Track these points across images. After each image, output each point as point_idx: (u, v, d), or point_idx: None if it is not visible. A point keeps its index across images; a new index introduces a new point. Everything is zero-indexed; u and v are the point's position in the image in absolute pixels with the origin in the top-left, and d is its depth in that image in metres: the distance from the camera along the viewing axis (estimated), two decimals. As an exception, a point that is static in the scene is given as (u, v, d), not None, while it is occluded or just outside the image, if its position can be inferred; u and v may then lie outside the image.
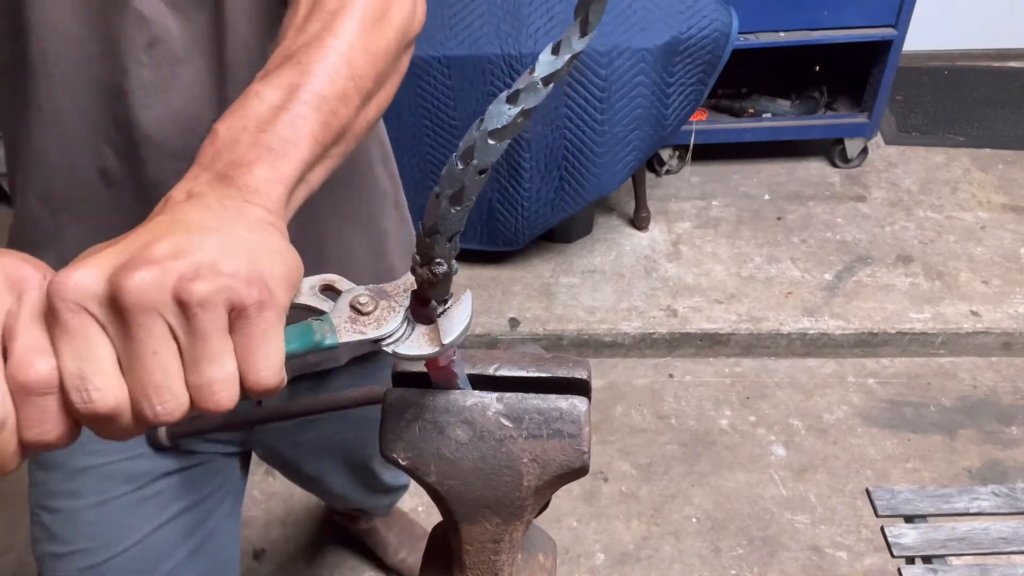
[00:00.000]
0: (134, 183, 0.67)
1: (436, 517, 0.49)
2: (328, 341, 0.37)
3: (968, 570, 1.09)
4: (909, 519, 1.14)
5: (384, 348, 0.38)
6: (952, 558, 1.11)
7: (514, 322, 2.09)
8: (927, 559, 1.11)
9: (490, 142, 0.31)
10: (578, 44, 0.30)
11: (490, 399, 0.44)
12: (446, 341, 0.38)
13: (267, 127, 0.43)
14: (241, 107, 0.44)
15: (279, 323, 0.35)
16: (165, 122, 0.63)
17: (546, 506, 0.50)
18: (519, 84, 0.31)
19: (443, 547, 0.50)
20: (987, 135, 2.62)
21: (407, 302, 0.39)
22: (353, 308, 0.38)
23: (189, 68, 0.63)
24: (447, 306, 0.39)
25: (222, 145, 0.42)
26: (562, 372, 0.45)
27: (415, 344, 0.38)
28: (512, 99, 0.31)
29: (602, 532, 1.72)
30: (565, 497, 1.75)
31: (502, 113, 0.31)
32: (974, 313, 2.05)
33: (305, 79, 0.45)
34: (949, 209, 2.38)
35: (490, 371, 0.45)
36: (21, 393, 0.31)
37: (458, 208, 0.33)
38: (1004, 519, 1.14)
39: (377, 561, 1.66)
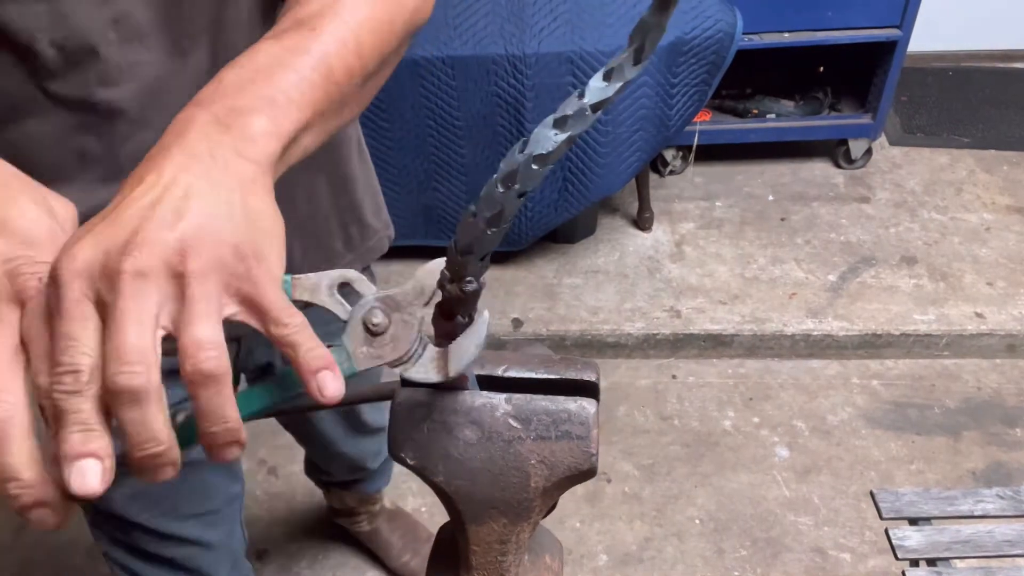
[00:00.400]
0: (113, 160, 0.65)
1: (441, 518, 0.49)
2: (346, 371, 0.37)
3: (972, 573, 1.09)
4: (913, 521, 1.14)
5: (392, 369, 0.38)
6: (956, 561, 1.11)
7: (517, 322, 2.09)
8: (931, 562, 1.11)
9: (534, 167, 0.31)
10: (631, 72, 0.29)
11: (499, 400, 0.44)
12: (452, 372, 0.38)
13: (273, 81, 0.43)
14: (250, 59, 0.44)
15: (278, 283, 0.36)
16: (139, 96, 0.62)
17: (553, 507, 0.50)
18: (567, 110, 0.30)
19: (450, 548, 0.50)
20: (992, 136, 2.62)
21: (419, 312, 0.39)
22: (367, 328, 0.38)
23: (155, 41, 0.61)
24: (467, 323, 0.39)
25: (226, 89, 0.41)
26: (571, 374, 0.45)
27: (423, 369, 0.39)
28: (559, 124, 0.30)
29: (605, 533, 1.72)
30: (568, 498, 1.75)
31: (548, 138, 0.31)
32: (978, 315, 2.05)
33: (316, 45, 0.45)
34: (953, 210, 2.37)
35: (499, 372, 0.45)
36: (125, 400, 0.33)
37: (495, 230, 0.33)
38: (1009, 522, 1.14)
39: (380, 564, 1.66)
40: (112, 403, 0.33)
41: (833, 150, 2.55)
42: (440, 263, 0.37)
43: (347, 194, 0.86)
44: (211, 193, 0.36)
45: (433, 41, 1.83)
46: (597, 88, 0.30)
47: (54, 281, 0.34)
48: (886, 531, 1.12)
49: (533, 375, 0.45)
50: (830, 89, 2.50)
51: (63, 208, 0.40)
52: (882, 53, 2.31)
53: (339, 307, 0.39)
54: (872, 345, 2.05)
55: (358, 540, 1.67)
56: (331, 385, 0.35)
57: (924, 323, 2.04)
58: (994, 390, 1.99)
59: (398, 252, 2.26)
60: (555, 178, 2.01)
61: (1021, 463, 1.82)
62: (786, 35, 2.24)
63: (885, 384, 2.01)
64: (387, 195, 2.31)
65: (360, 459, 1.33)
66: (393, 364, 0.38)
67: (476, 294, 0.36)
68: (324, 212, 0.83)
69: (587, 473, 0.44)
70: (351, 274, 0.40)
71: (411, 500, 1.79)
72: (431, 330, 0.40)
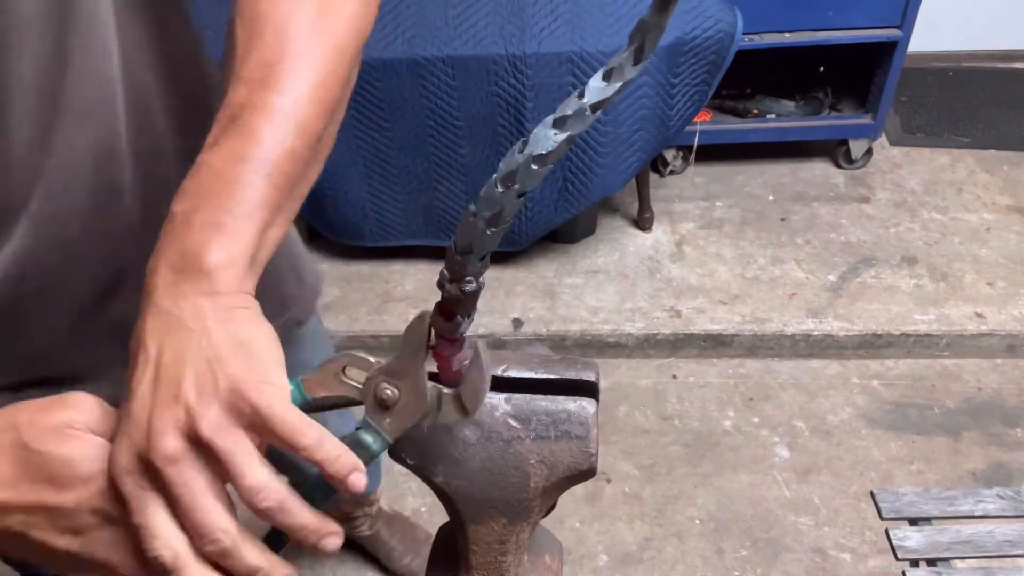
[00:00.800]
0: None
1: (440, 518, 0.49)
2: (378, 447, 0.41)
3: (973, 573, 1.09)
4: (913, 522, 1.14)
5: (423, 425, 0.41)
6: (957, 561, 1.11)
7: (517, 323, 2.09)
8: (931, 562, 1.11)
9: (533, 167, 0.31)
10: (630, 72, 0.29)
11: (498, 400, 0.44)
12: (473, 412, 0.40)
13: (217, 204, 0.43)
14: (193, 183, 0.44)
15: (287, 401, 0.40)
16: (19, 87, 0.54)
17: (552, 507, 0.50)
18: (567, 110, 0.30)
19: (449, 548, 0.50)
20: (992, 136, 2.62)
21: (422, 373, 0.40)
22: (380, 404, 0.41)
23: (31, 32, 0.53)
24: (466, 364, 0.40)
25: (177, 228, 0.43)
26: (570, 374, 0.45)
27: (446, 415, 0.41)
28: (559, 124, 0.30)
29: (605, 533, 1.72)
30: (568, 498, 1.75)
31: (548, 138, 0.31)
32: (979, 315, 2.05)
33: (252, 147, 0.45)
34: (954, 210, 2.37)
35: (498, 372, 0.45)
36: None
37: (494, 230, 0.33)
38: (1009, 522, 1.14)
39: (380, 566, 1.66)
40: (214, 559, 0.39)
41: (833, 150, 2.55)
42: (424, 313, 0.39)
43: (289, 241, 0.88)
44: (193, 345, 0.39)
45: (433, 41, 1.83)
46: (597, 88, 0.30)
47: (112, 486, 0.39)
48: (886, 531, 1.12)
49: (532, 375, 0.45)
50: (830, 89, 2.50)
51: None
52: (882, 53, 2.30)
53: (352, 389, 0.42)
54: (872, 345, 2.05)
55: (358, 546, 1.66)
56: (360, 482, 0.40)
57: (924, 323, 2.04)
58: (994, 390, 1.98)
59: (398, 252, 2.27)
60: (555, 178, 2.01)
61: (1021, 463, 1.82)
62: (786, 35, 2.24)
63: (885, 384, 2.01)
64: (387, 195, 2.32)
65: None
66: (418, 424, 0.41)
67: (476, 294, 0.36)
68: (275, 259, 0.85)
69: (586, 473, 0.44)
70: (346, 359, 0.42)
71: (411, 500, 1.79)
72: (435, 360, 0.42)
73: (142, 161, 0.60)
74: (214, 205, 0.43)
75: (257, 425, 0.39)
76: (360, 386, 0.41)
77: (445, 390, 0.41)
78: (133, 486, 0.38)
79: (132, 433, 0.39)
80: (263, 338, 0.41)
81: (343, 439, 0.40)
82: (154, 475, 0.38)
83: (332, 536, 0.41)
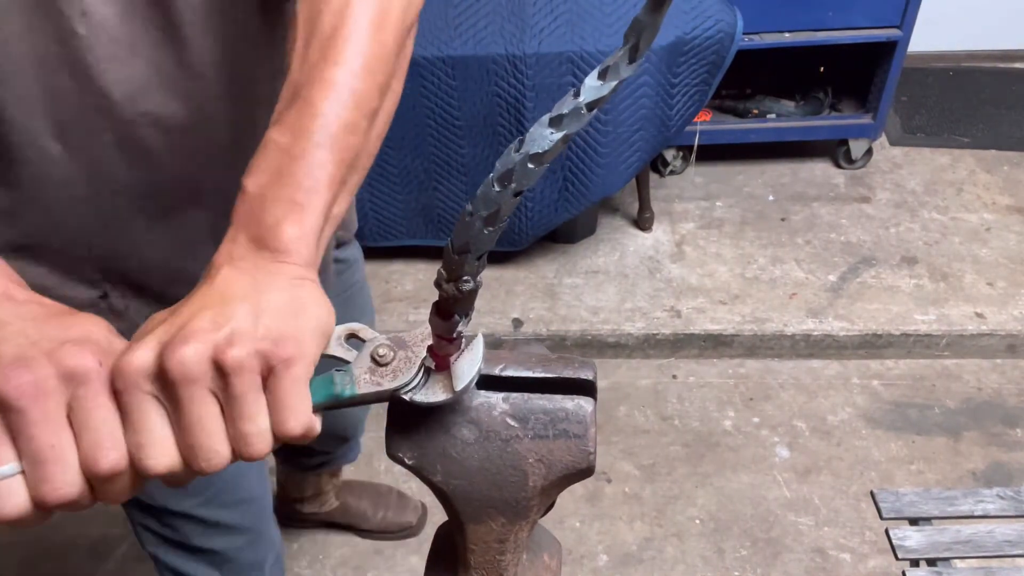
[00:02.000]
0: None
1: (439, 518, 0.49)
2: (348, 392, 0.41)
3: (973, 573, 1.09)
4: (913, 521, 1.14)
5: (402, 396, 0.41)
6: (957, 561, 1.11)
7: (517, 322, 2.09)
8: (931, 562, 1.11)
9: (530, 166, 0.31)
10: (626, 70, 0.29)
11: (496, 399, 0.44)
12: (458, 388, 0.41)
13: (288, 180, 0.46)
14: (262, 159, 0.47)
15: (306, 376, 0.40)
16: (125, 85, 0.61)
17: (551, 506, 0.50)
18: (562, 108, 0.30)
19: (448, 547, 0.50)
20: (992, 136, 2.62)
21: (423, 353, 0.41)
22: (373, 359, 0.41)
23: (129, 31, 0.60)
24: (462, 351, 0.41)
25: (252, 203, 0.46)
26: (568, 373, 0.45)
27: (430, 391, 0.41)
28: (555, 123, 0.30)
29: (605, 533, 1.72)
30: (568, 498, 1.75)
31: (544, 137, 0.31)
32: (979, 315, 2.05)
33: (314, 120, 0.48)
34: (954, 210, 2.37)
35: (496, 371, 0.45)
36: (97, 481, 0.38)
37: (491, 229, 0.33)
38: (1009, 522, 1.14)
39: (355, 531, 1.71)
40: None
41: (833, 150, 2.55)
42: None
43: None
44: (254, 294, 0.41)
45: (433, 41, 1.83)
46: (592, 87, 0.30)
47: (116, 380, 0.38)
48: (886, 531, 1.12)
49: (530, 374, 0.45)
50: (830, 89, 2.50)
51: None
52: (882, 53, 2.30)
53: (347, 354, 0.43)
54: (872, 345, 2.05)
55: (330, 521, 1.70)
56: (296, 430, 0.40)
57: (924, 323, 2.04)
58: (994, 390, 1.98)
59: (398, 252, 2.27)
60: (555, 178, 2.01)
61: (1021, 463, 1.82)
62: (786, 35, 2.24)
63: (885, 384, 2.01)
64: (387, 195, 2.33)
65: (343, 429, 1.39)
66: (394, 392, 0.41)
67: (473, 293, 0.36)
68: None
69: (585, 472, 0.44)
70: (356, 325, 0.43)
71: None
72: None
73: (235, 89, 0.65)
74: (285, 182, 0.46)
75: (268, 382, 0.39)
76: (357, 351, 0.42)
77: (435, 373, 0.42)
78: (139, 394, 0.38)
79: (161, 335, 0.39)
80: (320, 308, 0.42)
81: (317, 378, 0.41)
82: (165, 393, 0.38)
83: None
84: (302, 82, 0.49)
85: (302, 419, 0.39)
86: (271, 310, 0.40)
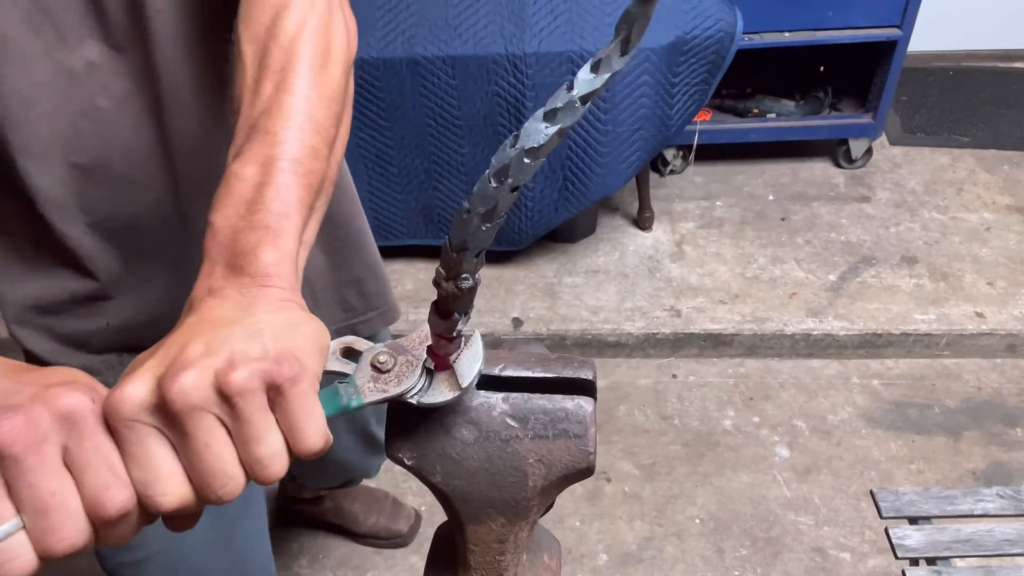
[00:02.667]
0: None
1: (440, 518, 0.49)
2: (354, 403, 0.40)
3: (972, 572, 1.09)
4: (913, 521, 1.14)
5: (409, 400, 0.41)
6: (956, 560, 1.11)
7: (517, 322, 2.09)
8: (931, 561, 1.11)
9: (526, 161, 0.31)
10: (618, 63, 0.29)
11: (496, 399, 0.44)
12: (464, 384, 0.41)
13: (257, 207, 0.45)
14: (228, 192, 0.47)
15: (314, 391, 0.38)
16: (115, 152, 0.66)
17: (551, 506, 0.50)
18: (556, 102, 0.30)
19: (448, 547, 0.50)
20: (992, 136, 2.61)
21: (423, 355, 0.41)
22: (374, 367, 0.41)
23: (128, 102, 0.64)
24: (460, 350, 0.41)
25: (223, 237, 0.45)
26: (568, 372, 0.45)
27: (436, 392, 0.41)
28: (549, 117, 0.30)
29: (605, 532, 1.72)
30: (568, 497, 1.75)
31: (539, 131, 0.31)
32: (979, 314, 2.05)
33: (277, 148, 0.48)
34: (954, 210, 2.37)
35: (496, 371, 0.45)
36: (103, 525, 0.35)
37: (489, 225, 0.33)
38: (1009, 521, 1.14)
39: (348, 533, 1.71)
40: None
41: (833, 150, 2.55)
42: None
43: (346, 268, 0.93)
44: (245, 317, 0.40)
45: (434, 41, 1.83)
46: (585, 80, 0.30)
47: (111, 417, 0.36)
48: (886, 530, 1.12)
49: (530, 374, 0.45)
50: (830, 89, 2.50)
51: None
52: (882, 53, 2.30)
53: (345, 367, 0.42)
54: (872, 345, 2.05)
55: (323, 520, 1.70)
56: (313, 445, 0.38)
57: (924, 323, 2.04)
58: (994, 390, 1.98)
59: (398, 252, 2.27)
60: (555, 177, 2.01)
61: (1021, 463, 1.82)
62: (786, 35, 2.24)
63: (885, 384, 2.01)
64: (387, 194, 2.32)
65: (364, 471, 1.41)
66: (400, 396, 0.41)
67: (472, 291, 0.36)
68: (321, 283, 0.89)
69: (585, 472, 0.44)
70: (350, 339, 0.43)
71: (411, 500, 1.79)
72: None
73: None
74: (254, 210, 0.45)
75: (275, 403, 0.38)
76: (355, 363, 0.42)
77: (438, 373, 0.42)
78: (141, 428, 0.36)
79: (155, 368, 0.37)
80: (313, 326, 0.41)
81: (321, 391, 0.40)
82: (168, 424, 0.36)
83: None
84: (259, 115, 0.50)
85: (319, 432, 0.38)
86: (266, 330, 0.39)
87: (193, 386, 0.35)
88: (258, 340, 0.38)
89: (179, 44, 0.63)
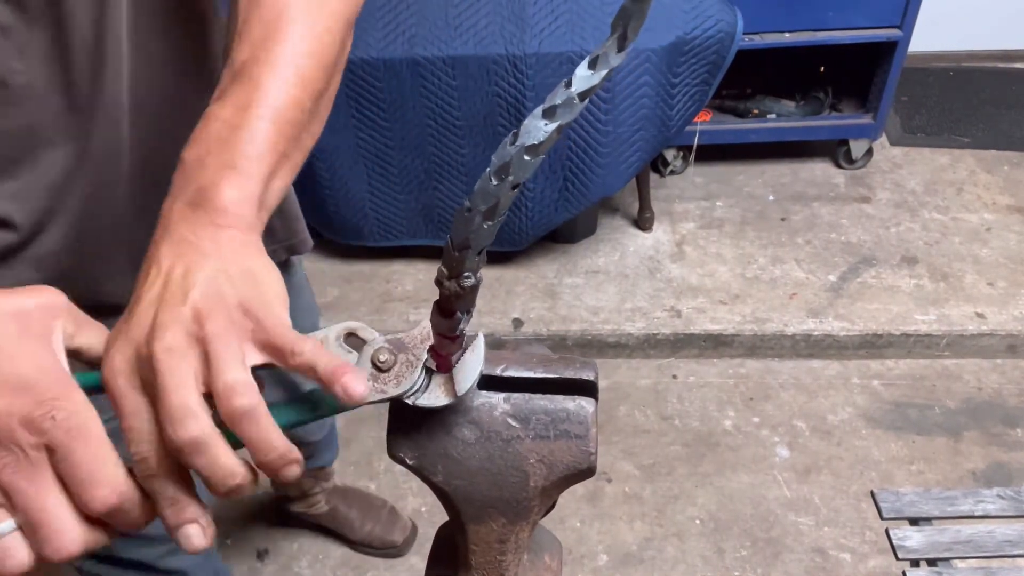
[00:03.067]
0: None
1: (440, 518, 0.49)
2: (339, 405, 0.40)
3: (973, 573, 1.09)
4: (914, 521, 1.14)
5: (406, 401, 0.41)
6: (957, 561, 1.11)
7: (518, 322, 2.09)
8: (932, 562, 1.11)
9: (526, 158, 0.31)
10: (615, 59, 0.30)
11: (497, 399, 0.44)
12: (460, 392, 0.40)
13: (228, 147, 0.45)
14: (203, 131, 0.46)
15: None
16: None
17: (552, 507, 0.50)
18: (555, 99, 0.30)
19: (449, 548, 0.50)
20: (993, 136, 2.62)
21: (424, 355, 0.41)
22: (374, 365, 0.41)
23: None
24: (464, 350, 0.41)
25: (189, 171, 0.45)
26: (569, 373, 0.45)
27: (433, 396, 0.41)
28: (548, 114, 0.31)
29: (605, 533, 1.72)
30: (568, 498, 1.75)
31: (538, 128, 0.31)
32: (979, 315, 2.05)
33: (257, 94, 0.47)
34: (954, 210, 2.37)
35: (497, 371, 0.45)
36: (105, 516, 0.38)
37: (490, 223, 0.33)
38: (1009, 522, 1.14)
39: (343, 540, 1.70)
40: (182, 458, 0.37)
41: (834, 150, 2.55)
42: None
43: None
44: (207, 265, 0.41)
45: (434, 41, 1.83)
46: (583, 76, 0.30)
47: (105, 386, 0.39)
48: (887, 531, 1.12)
49: (531, 374, 0.45)
50: (831, 89, 2.50)
51: (42, 316, 0.42)
52: (883, 53, 2.30)
53: (347, 355, 0.42)
54: (873, 345, 2.05)
55: (318, 523, 1.69)
56: (355, 385, 0.38)
57: (925, 323, 2.04)
58: (995, 390, 1.98)
59: (399, 252, 2.27)
60: (556, 178, 2.01)
61: (1022, 463, 1.82)
62: (787, 35, 2.24)
63: (885, 384, 2.01)
64: (387, 194, 2.32)
65: (302, 435, 1.34)
66: (398, 397, 0.41)
67: (474, 289, 0.36)
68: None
69: (586, 472, 0.44)
70: (355, 324, 0.43)
71: (411, 500, 1.79)
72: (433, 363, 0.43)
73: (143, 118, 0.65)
74: (225, 149, 0.45)
75: (258, 340, 0.39)
76: (357, 354, 0.42)
77: (437, 374, 0.41)
78: (124, 387, 0.38)
79: (132, 331, 0.38)
80: (272, 274, 0.42)
81: (303, 394, 0.41)
82: (147, 371, 0.37)
83: (294, 464, 0.39)
84: (245, 60, 0.49)
85: (297, 343, 0.39)
86: (226, 279, 0.40)
87: (172, 341, 0.37)
88: (219, 290, 0.39)
89: (94, 8, 0.59)
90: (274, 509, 1.74)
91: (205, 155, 0.45)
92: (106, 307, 0.55)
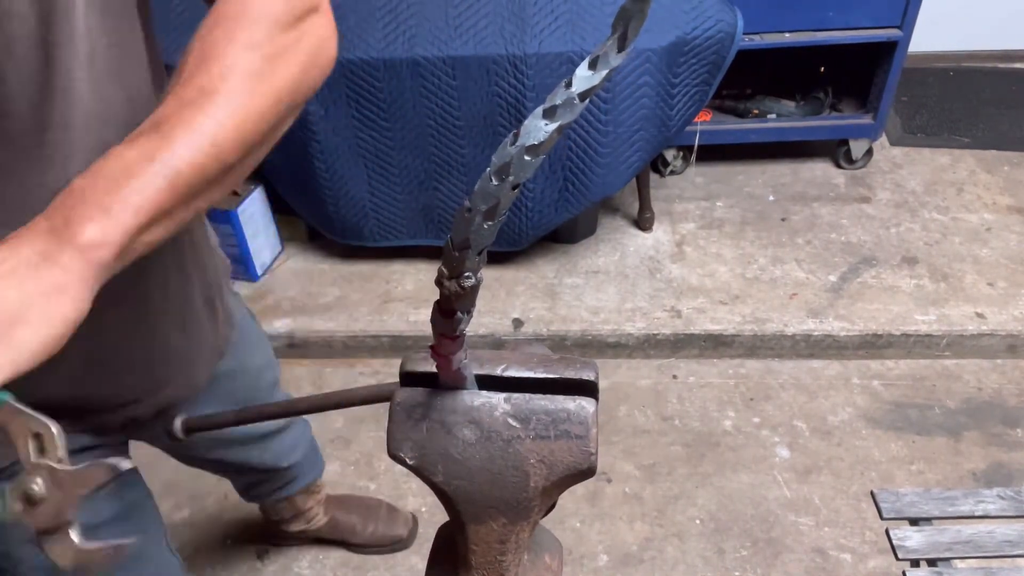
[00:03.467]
0: None
1: (441, 518, 0.49)
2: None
3: (973, 573, 1.09)
4: (914, 522, 1.14)
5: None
6: (957, 561, 1.11)
7: (518, 322, 2.09)
8: (932, 562, 1.11)
9: (526, 158, 0.31)
10: (615, 59, 0.30)
11: (498, 399, 0.44)
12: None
13: (114, 190, 0.46)
14: (101, 166, 0.48)
15: None
16: None
17: (552, 507, 0.50)
18: (555, 99, 0.30)
19: (449, 547, 0.50)
20: (993, 136, 2.62)
21: (77, 501, 0.41)
22: (26, 495, 0.41)
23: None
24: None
25: (70, 198, 0.46)
26: (570, 373, 0.45)
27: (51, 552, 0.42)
28: (549, 114, 0.31)
29: (605, 533, 1.72)
30: (568, 498, 1.75)
31: (539, 129, 0.31)
32: (979, 315, 2.05)
33: (165, 151, 0.48)
34: (954, 211, 2.37)
35: (498, 372, 0.45)
36: None
37: (491, 223, 0.33)
38: (1009, 522, 1.14)
39: (347, 546, 1.69)
40: None
41: (834, 150, 2.55)
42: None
43: (207, 279, 0.90)
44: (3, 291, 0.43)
45: (434, 41, 1.83)
46: (584, 77, 0.30)
47: None
48: (887, 531, 1.12)
49: (532, 375, 0.45)
50: (831, 89, 2.50)
51: None
52: (883, 53, 2.30)
53: (30, 456, 0.42)
54: (873, 345, 2.05)
55: (319, 538, 1.67)
56: None
57: (925, 323, 2.03)
58: (995, 390, 1.98)
59: (399, 252, 2.27)
60: (556, 178, 2.01)
61: (1022, 464, 1.82)
62: (787, 35, 2.24)
63: (886, 384, 2.01)
64: (387, 195, 2.32)
65: (273, 462, 1.31)
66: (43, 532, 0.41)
67: (475, 289, 0.36)
68: (193, 296, 0.87)
69: (586, 472, 0.44)
70: (48, 428, 0.43)
71: (411, 500, 1.79)
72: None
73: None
74: (111, 190, 0.46)
75: None
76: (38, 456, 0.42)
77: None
78: None
79: None
80: (39, 331, 0.44)
81: None
82: None
83: None
84: (169, 116, 0.50)
85: None
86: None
87: None
88: None
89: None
90: (271, 534, 1.68)
91: (90, 189, 0.46)
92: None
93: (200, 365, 0.90)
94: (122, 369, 0.79)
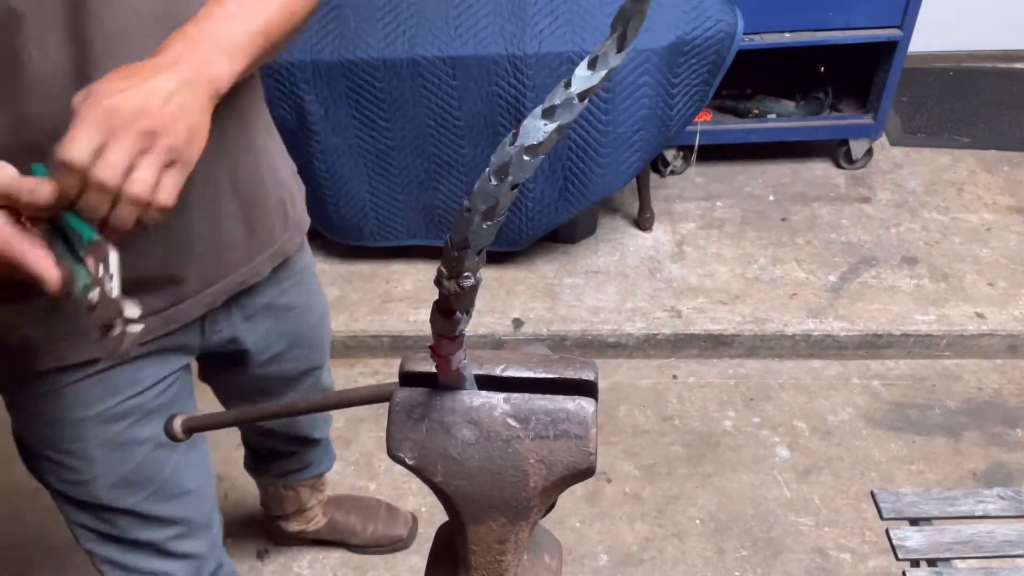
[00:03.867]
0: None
1: (441, 518, 0.49)
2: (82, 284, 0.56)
3: (973, 573, 1.09)
4: (914, 522, 1.14)
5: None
6: (957, 561, 1.11)
7: (518, 322, 2.09)
8: (932, 562, 1.11)
9: (525, 158, 0.31)
10: (615, 59, 0.30)
11: (497, 399, 0.44)
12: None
13: (230, 34, 0.66)
14: (213, 10, 0.66)
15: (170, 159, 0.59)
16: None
17: (552, 507, 0.50)
18: (555, 99, 0.30)
19: (449, 548, 0.50)
20: (993, 136, 2.62)
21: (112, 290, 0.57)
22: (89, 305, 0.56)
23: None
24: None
25: (199, 39, 0.64)
26: (569, 373, 0.45)
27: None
28: (548, 114, 0.31)
29: (605, 533, 1.72)
30: (568, 498, 1.75)
31: (538, 129, 0.31)
32: (979, 315, 2.05)
33: (259, 6, 0.69)
34: (954, 211, 2.37)
35: (497, 372, 0.45)
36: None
37: (490, 223, 0.33)
38: (1009, 522, 1.14)
39: (348, 547, 1.68)
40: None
41: (834, 150, 2.55)
42: None
43: (279, 179, 0.97)
44: (177, 91, 0.60)
45: (434, 41, 1.83)
46: (583, 77, 0.30)
47: (75, 114, 0.56)
48: (887, 531, 1.12)
49: (531, 374, 0.45)
50: (831, 89, 2.50)
51: None
52: (883, 53, 2.30)
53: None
54: (873, 345, 2.05)
55: (318, 539, 1.66)
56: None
57: (925, 323, 2.03)
58: (995, 390, 1.98)
59: (399, 252, 2.27)
60: (555, 178, 2.01)
61: (1022, 464, 1.82)
62: (787, 35, 2.24)
63: (886, 384, 2.01)
64: (387, 195, 2.32)
65: (303, 428, 1.35)
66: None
67: (474, 289, 0.36)
68: (266, 192, 0.93)
69: (586, 472, 0.44)
70: (111, 256, 0.56)
71: (411, 500, 1.79)
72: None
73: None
74: (230, 35, 0.66)
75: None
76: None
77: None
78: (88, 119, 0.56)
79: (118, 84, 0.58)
80: (200, 124, 0.61)
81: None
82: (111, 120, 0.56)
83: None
84: None
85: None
86: (174, 102, 0.59)
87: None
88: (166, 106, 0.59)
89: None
90: (269, 532, 1.69)
91: (211, 33, 0.65)
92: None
93: (263, 258, 0.94)
94: (194, 247, 0.84)
